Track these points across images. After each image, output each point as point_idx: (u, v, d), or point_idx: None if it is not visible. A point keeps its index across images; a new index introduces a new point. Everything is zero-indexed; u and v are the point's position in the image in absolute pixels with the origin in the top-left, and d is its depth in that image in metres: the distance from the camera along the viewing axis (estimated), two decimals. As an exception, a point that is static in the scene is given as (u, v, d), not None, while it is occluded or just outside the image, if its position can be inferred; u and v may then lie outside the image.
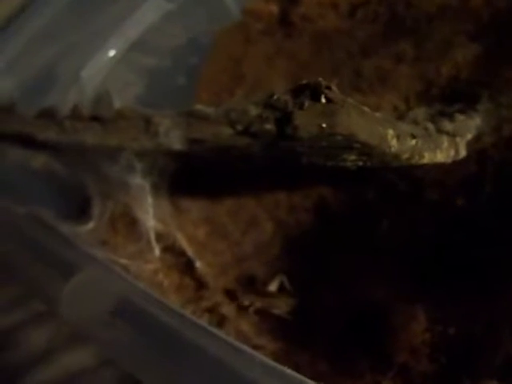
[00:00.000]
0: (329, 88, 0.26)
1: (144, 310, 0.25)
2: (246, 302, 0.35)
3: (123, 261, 0.33)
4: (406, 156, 0.28)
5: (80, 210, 0.41)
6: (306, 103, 0.26)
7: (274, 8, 0.48)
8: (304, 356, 0.31)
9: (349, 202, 0.36)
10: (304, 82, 0.27)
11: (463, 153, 0.31)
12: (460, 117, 0.31)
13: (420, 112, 0.36)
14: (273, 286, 0.34)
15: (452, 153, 0.30)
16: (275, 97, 0.27)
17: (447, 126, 0.30)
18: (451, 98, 0.36)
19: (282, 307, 0.34)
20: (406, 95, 0.38)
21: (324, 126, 0.26)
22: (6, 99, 0.38)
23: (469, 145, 0.31)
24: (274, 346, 0.32)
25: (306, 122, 0.26)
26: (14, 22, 0.42)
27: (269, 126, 0.27)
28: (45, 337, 0.45)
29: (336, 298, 0.33)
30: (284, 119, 0.26)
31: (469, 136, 0.31)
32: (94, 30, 0.44)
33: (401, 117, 0.37)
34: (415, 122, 0.30)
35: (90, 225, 0.37)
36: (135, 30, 0.44)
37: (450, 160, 0.30)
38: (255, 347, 0.31)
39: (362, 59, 0.41)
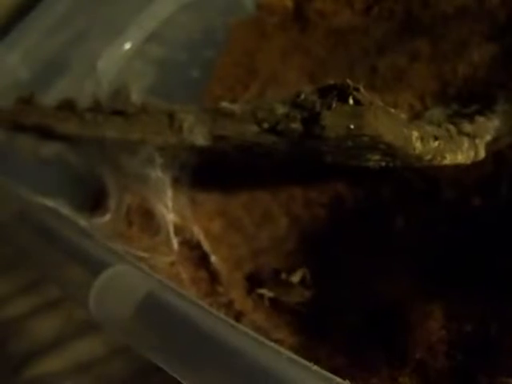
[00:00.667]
0: (357, 89, 0.26)
1: (171, 306, 0.26)
2: (262, 291, 0.35)
3: (141, 253, 0.34)
4: (428, 157, 0.28)
5: (95, 202, 0.42)
6: (334, 104, 0.26)
7: (289, 2, 0.48)
8: (322, 350, 0.31)
9: (364, 199, 0.37)
10: (331, 82, 0.27)
11: (482, 154, 0.31)
12: (480, 118, 0.31)
13: (437, 112, 0.36)
14: (295, 278, 0.35)
15: (472, 154, 0.30)
16: (302, 96, 0.28)
17: (467, 127, 0.30)
18: (467, 98, 0.36)
19: (296, 298, 0.35)
20: (422, 94, 0.38)
21: (352, 127, 0.26)
22: (26, 90, 0.38)
23: (487, 146, 0.31)
24: (292, 340, 0.32)
25: (334, 122, 0.26)
26: (29, 12, 0.42)
27: (296, 125, 0.27)
28: (54, 325, 0.46)
29: (353, 294, 0.33)
30: (311, 119, 0.27)
31: (488, 137, 0.31)
32: (110, 21, 0.44)
33: (417, 116, 0.37)
34: (434, 123, 0.31)
35: (107, 217, 0.38)
36: (151, 22, 0.45)
37: (469, 161, 0.31)
38: (274, 341, 0.31)
39: (378, 57, 0.41)
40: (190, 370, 0.25)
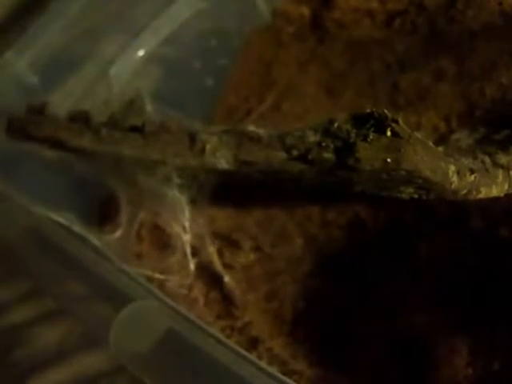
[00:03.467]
0: (395, 121, 0.25)
1: (193, 343, 0.24)
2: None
3: (159, 276, 0.32)
4: (464, 192, 0.27)
5: (103, 214, 0.40)
6: (371, 135, 0.25)
7: (306, 10, 0.46)
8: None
9: (386, 223, 0.36)
10: (367, 111, 0.26)
11: (516, 186, 0.30)
12: (514, 149, 0.30)
13: (463, 136, 0.35)
14: None
15: (506, 187, 0.29)
16: (336, 125, 0.26)
17: (502, 159, 0.29)
18: (496, 121, 0.35)
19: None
20: (447, 115, 0.37)
21: (389, 160, 0.25)
22: (35, 96, 0.37)
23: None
24: (311, 371, 0.31)
25: (370, 155, 0.25)
26: (39, 17, 0.40)
27: (328, 155, 0.26)
28: (58, 335, 0.44)
29: (375, 325, 0.32)
30: (345, 150, 0.26)
31: (522, 168, 0.30)
32: (124, 25, 0.42)
33: (442, 138, 0.36)
34: (466, 151, 0.30)
35: (118, 233, 0.36)
36: (166, 28, 0.43)
37: (502, 194, 0.29)
38: (292, 373, 0.30)
39: (400, 73, 0.40)
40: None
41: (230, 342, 0.25)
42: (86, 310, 0.27)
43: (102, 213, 0.40)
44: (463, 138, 0.34)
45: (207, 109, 0.44)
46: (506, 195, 0.32)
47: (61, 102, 0.41)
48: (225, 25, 0.45)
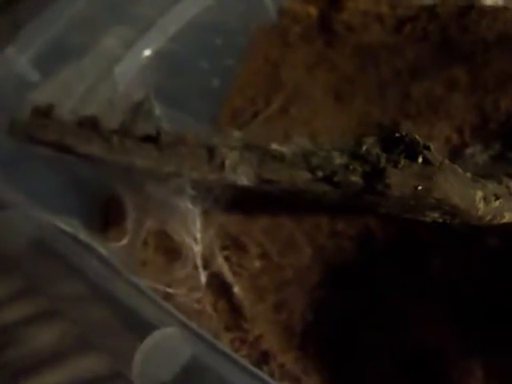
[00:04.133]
0: (427, 148, 0.25)
1: (216, 372, 0.24)
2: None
3: (169, 290, 0.32)
4: (489, 217, 0.27)
5: (106, 218, 0.39)
6: (402, 161, 0.25)
7: (313, 10, 0.45)
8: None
9: (397, 236, 0.35)
10: (397, 134, 0.25)
11: (537, 209, 0.30)
12: (538, 172, 0.30)
13: (477, 150, 0.35)
14: None
15: (527, 210, 0.29)
16: (364, 148, 0.26)
17: (525, 182, 0.29)
18: (511, 136, 0.35)
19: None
20: (460, 126, 0.37)
21: (420, 188, 0.24)
22: (44, 102, 0.35)
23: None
24: (325, 388, 0.31)
25: (400, 181, 0.25)
26: (42, 15, 0.39)
27: (355, 178, 0.26)
28: (52, 337, 0.43)
29: (385, 338, 0.32)
30: (374, 174, 0.25)
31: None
32: (128, 23, 0.41)
33: (455, 150, 0.36)
34: (478, 165, 0.29)
35: (124, 241, 0.36)
36: (172, 26, 0.42)
37: (524, 217, 0.29)
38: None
39: (411, 81, 0.40)
40: None
41: (253, 368, 0.25)
42: (108, 338, 0.26)
43: (106, 216, 0.39)
44: (477, 153, 0.34)
45: (213, 109, 0.43)
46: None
47: (64, 100, 0.40)
48: (230, 23, 0.44)
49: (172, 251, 0.34)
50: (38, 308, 0.44)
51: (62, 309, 0.31)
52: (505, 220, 0.28)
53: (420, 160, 0.25)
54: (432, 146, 0.25)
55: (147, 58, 0.41)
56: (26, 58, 0.39)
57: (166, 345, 0.24)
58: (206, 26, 0.43)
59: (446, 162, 0.25)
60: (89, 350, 0.42)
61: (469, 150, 0.34)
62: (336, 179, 0.26)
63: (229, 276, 0.35)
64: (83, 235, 0.33)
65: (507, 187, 0.28)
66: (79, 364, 0.42)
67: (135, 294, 0.27)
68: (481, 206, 0.26)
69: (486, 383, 0.30)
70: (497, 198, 0.27)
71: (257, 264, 0.37)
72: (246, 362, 0.25)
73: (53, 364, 0.43)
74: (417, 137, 0.25)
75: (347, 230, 0.37)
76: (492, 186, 0.27)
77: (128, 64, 0.41)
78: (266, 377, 0.24)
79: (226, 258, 0.36)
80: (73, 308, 0.29)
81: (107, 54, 0.40)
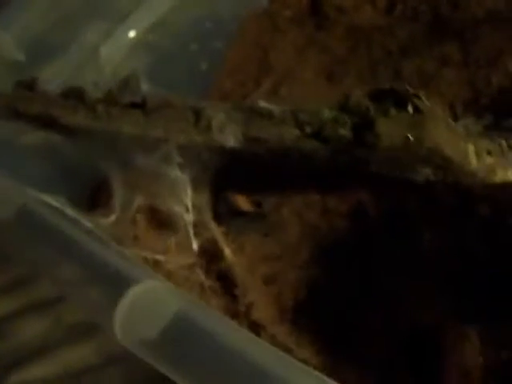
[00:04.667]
0: (417, 96, 0.24)
1: (203, 327, 0.23)
2: None
3: (159, 257, 0.31)
4: (481, 174, 0.26)
5: (91, 199, 0.39)
6: (392, 111, 0.24)
7: (303, -6, 0.45)
8: (350, 374, 0.29)
9: (389, 211, 0.35)
10: (388, 86, 0.25)
11: (530, 171, 0.29)
12: (531, 133, 0.29)
13: (470, 122, 0.34)
14: None
15: (520, 171, 0.29)
16: (353, 100, 0.25)
17: (518, 142, 0.28)
18: (503, 109, 0.34)
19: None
20: (452, 102, 0.36)
21: (410, 137, 0.24)
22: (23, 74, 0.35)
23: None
24: (317, 360, 0.30)
25: (391, 131, 0.24)
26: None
27: (344, 132, 0.25)
28: (43, 327, 0.42)
29: (380, 314, 0.31)
30: (364, 125, 0.25)
31: (535, 153, 0.29)
32: (115, 5, 0.41)
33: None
34: (484, 135, 0.29)
35: (112, 217, 0.35)
36: (158, 10, 0.42)
37: (517, 178, 0.29)
38: (298, 360, 0.29)
39: (402, 59, 0.39)
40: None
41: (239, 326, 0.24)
42: (87, 294, 0.25)
43: (93, 200, 0.38)
44: (471, 124, 0.34)
45: (201, 92, 0.42)
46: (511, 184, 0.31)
47: (49, 82, 0.39)
48: (220, 7, 0.44)
49: (163, 222, 0.33)
50: (25, 301, 0.43)
51: (43, 271, 0.30)
52: (497, 179, 0.27)
53: (410, 109, 0.24)
54: (422, 95, 0.24)
55: (134, 39, 0.41)
56: (11, 37, 0.38)
57: (149, 298, 0.23)
58: (195, 10, 0.43)
59: (438, 110, 0.24)
60: (78, 341, 0.41)
61: (462, 122, 0.34)
62: (324, 134, 0.25)
63: (221, 241, 0.34)
64: (70, 211, 0.33)
65: (499, 145, 0.28)
66: (68, 355, 0.41)
67: (112, 252, 0.26)
68: (473, 160, 0.25)
69: (482, 349, 0.29)
70: (489, 155, 0.27)
71: (248, 238, 0.36)
72: (228, 319, 0.24)
73: (42, 356, 0.42)
74: (406, 86, 0.24)
75: (339, 206, 0.36)
76: (485, 143, 0.27)
77: (114, 47, 0.40)
78: (246, 331, 0.23)
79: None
80: (53, 268, 0.28)
81: (92, 36, 0.40)
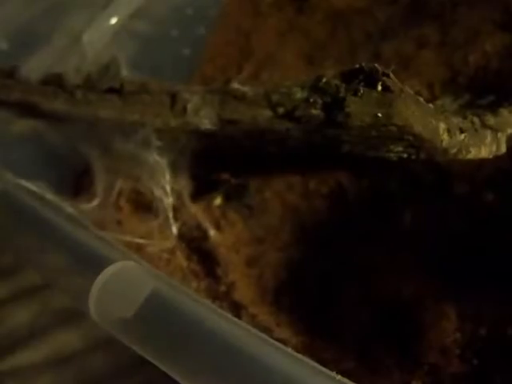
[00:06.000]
0: (386, 75, 0.24)
1: (179, 306, 0.23)
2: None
3: (138, 240, 0.31)
4: (454, 151, 0.27)
5: (76, 185, 0.39)
6: (361, 90, 0.24)
7: (284, -21, 0.45)
8: (329, 352, 0.29)
9: (369, 191, 0.35)
10: (357, 65, 0.25)
11: (503, 149, 0.29)
12: (504, 111, 0.29)
13: (447, 101, 0.34)
14: None
15: (494, 148, 0.29)
16: (324, 80, 0.25)
17: (491, 120, 0.29)
18: (480, 88, 0.34)
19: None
20: (430, 82, 0.36)
21: (380, 115, 0.24)
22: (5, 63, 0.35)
23: (508, 140, 0.30)
24: (296, 340, 0.30)
25: (360, 109, 0.24)
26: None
27: (316, 112, 0.25)
28: (30, 313, 0.43)
29: (360, 293, 0.32)
30: (334, 105, 0.25)
31: (509, 131, 0.30)
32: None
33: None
34: (457, 113, 0.29)
35: (94, 202, 0.35)
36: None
37: (491, 156, 0.29)
38: (277, 341, 0.29)
39: (381, 42, 0.40)
40: (194, 372, 0.23)
41: (214, 305, 0.24)
42: (64, 276, 0.25)
43: (78, 186, 0.38)
44: (447, 103, 0.34)
45: (185, 79, 0.42)
46: (489, 161, 0.32)
47: (33, 70, 0.39)
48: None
49: (143, 206, 0.34)
50: (12, 288, 0.44)
51: (22, 255, 0.30)
52: (471, 156, 0.28)
53: (380, 87, 0.24)
54: (391, 73, 0.24)
55: (117, 26, 0.41)
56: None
57: (124, 278, 0.23)
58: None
59: (407, 89, 0.25)
60: (65, 326, 0.41)
61: (439, 102, 0.34)
62: (297, 114, 0.26)
63: (204, 222, 0.35)
64: (50, 196, 0.33)
65: (472, 122, 0.28)
66: (56, 340, 0.42)
67: (90, 235, 0.26)
68: (445, 137, 0.26)
69: (460, 325, 0.29)
70: (462, 132, 0.27)
71: (232, 218, 0.36)
72: (204, 299, 0.24)
73: (30, 342, 0.42)
74: (376, 65, 0.24)
75: (319, 188, 0.36)
76: (457, 120, 0.27)
77: (96, 34, 0.40)
78: (222, 311, 0.24)
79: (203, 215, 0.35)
80: (31, 252, 0.28)
81: (75, 22, 0.40)
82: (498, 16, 0.37)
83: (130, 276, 0.23)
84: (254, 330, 0.24)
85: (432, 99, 0.36)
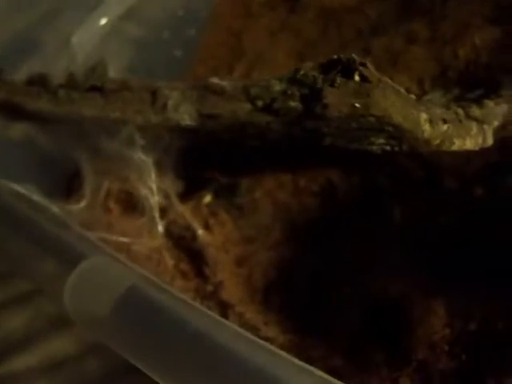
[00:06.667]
0: (363, 65, 0.24)
1: (153, 301, 0.23)
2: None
3: (124, 239, 0.31)
4: (437, 142, 0.26)
5: (68, 187, 0.39)
6: (338, 80, 0.24)
7: (275, -21, 0.45)
8: (317, 350, 0.29)
9: (359, 187, 0.35)
10: (335, 56, 0.25)
11: (490, 141, 0.29)
12: (489, 103, 0.29)
13: (436, 96, 0.34)
14: None
15: (480, 140, 0.28)
16: (302, 72, 0.25)
17: (476, 111, 0.28)
18: (469, 82, 0.34)
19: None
20: (420, 77, 0.36)
21: (357, 105, 0.24)
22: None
23: (495, 132, 0.29)
24: (284, 338, 0.30)
25: (338, 100, 0.24)
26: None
27: (294, 104, 0.25)
28: (23, 319, 0.43)
29: (348, 290, 0.31)
30: (312, 96, 0.24)
31: (495, 123, 0.29)
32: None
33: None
34: (441, 105, 0.29)
35: (83, 203, 0.35)
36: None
37: (477, 148, 0.29)
38: (264, 339, 0.29)
39: (372, 38, 0.39)
40: (171, 371, 0.23)
41: (194, 302, 0.24)
42: (40, 270, 0.25)
43: (69, 188, 0.38)
44: (436, 97, 0.33)
45: (176, 80, 0.42)
46: (478, 155, 0.31)
47: (22, 72, 0.39)
48: (192, -4, 0.44)
49: (130, 206, 0.33)
50: (6, 294, 0.44)
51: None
52: (455, 147, 0.27)
53: (357, 78, 0.24)
54: (369, 63, 0.24)
55: (106, 27, 0.41)
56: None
57: (100, 273, 0.23)
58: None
59: (386, 79, 0.24)
60: (59, 331, 0.41)
61: (428, 96, 0.34)
62: (275, 106, 0.25)
63: (192, 221, 0.34)
64: (36, 197, 0.33)
65: (456, 113, 0.27)
66: (49, 345, 0.42)
67: (78, 236, 0.26)
68: (426, 127, 0.25)
69: (449, 321, 0.28)
70: (445, 123, 0.26)
71: (222, 218, 0.36)
72: (184, 296, 0.24)
73: (24, 347, 0.42)
74: (353, 55, 0.24)
75: (310, 185, 0.36)
76: (439, 111, 0.27)
77: (87, 34, 0.40)
78: (201, 307, 0.23)
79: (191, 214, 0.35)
80: (8, 249, 0.28)
81: (65, 25, 0.40)
82: (487, 10, 0.36)
83: (105, 271, 0.23)
84: (235, 327, 0.24)
85: (422, 94, 0.36)
